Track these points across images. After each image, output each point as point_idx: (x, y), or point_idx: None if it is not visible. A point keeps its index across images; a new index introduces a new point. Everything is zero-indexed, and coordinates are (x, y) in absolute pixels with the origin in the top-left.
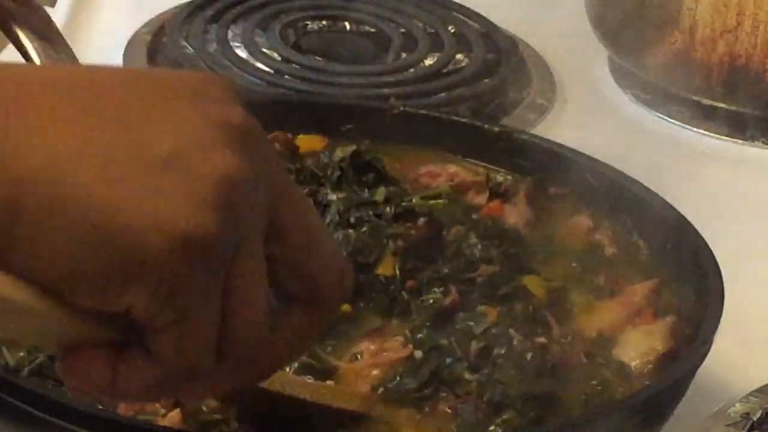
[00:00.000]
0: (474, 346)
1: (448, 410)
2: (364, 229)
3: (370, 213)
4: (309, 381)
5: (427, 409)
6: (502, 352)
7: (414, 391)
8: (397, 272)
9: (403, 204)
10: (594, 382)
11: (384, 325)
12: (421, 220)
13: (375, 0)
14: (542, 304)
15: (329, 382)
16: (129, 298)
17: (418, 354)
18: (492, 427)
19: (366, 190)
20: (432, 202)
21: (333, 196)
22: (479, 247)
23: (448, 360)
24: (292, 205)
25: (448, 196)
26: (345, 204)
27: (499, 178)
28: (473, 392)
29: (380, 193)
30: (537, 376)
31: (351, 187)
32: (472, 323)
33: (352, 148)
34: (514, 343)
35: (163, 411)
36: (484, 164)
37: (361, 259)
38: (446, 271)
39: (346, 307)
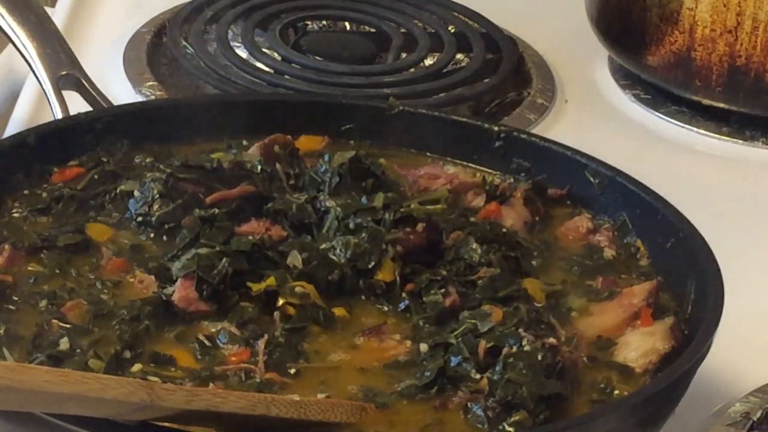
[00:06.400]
0: (482, 344)
1: (458, 408)
2: (363, 235)
3: (369, 219)
4: (296, 398)
5: (437, 404)
6: (513, 351)
7: (420, 391)
8: (397, 278)
9: (402, 210)
10: (602, 386)
11: (381, 324)
12: (420, 226)
13: (375, 0)
14: (542, 307)
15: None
16: None
17: (424, 347)
18: (501, 426)
19: (365, 196)
20: (430, 207)
21: (332, 203)
22: (478, 251)
23: (454, 358)
24: None
25: (446, 201)
26: (344, 210)
27: (496, 180)
28: (484, 390)
29: (379, 199)
30: (547, 377)
31: (350, 193)
32: (476, 321)
33: (351, 153)
34: (524, 343)
35: None
36: (484, 164)
37: (361, 265)
38: (445, 273)
39: (341, 311)
